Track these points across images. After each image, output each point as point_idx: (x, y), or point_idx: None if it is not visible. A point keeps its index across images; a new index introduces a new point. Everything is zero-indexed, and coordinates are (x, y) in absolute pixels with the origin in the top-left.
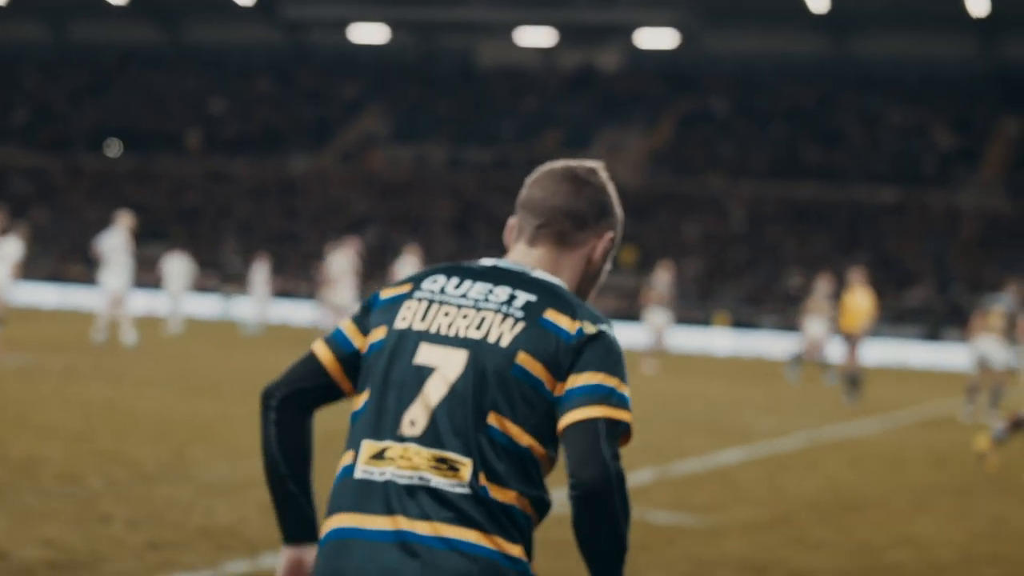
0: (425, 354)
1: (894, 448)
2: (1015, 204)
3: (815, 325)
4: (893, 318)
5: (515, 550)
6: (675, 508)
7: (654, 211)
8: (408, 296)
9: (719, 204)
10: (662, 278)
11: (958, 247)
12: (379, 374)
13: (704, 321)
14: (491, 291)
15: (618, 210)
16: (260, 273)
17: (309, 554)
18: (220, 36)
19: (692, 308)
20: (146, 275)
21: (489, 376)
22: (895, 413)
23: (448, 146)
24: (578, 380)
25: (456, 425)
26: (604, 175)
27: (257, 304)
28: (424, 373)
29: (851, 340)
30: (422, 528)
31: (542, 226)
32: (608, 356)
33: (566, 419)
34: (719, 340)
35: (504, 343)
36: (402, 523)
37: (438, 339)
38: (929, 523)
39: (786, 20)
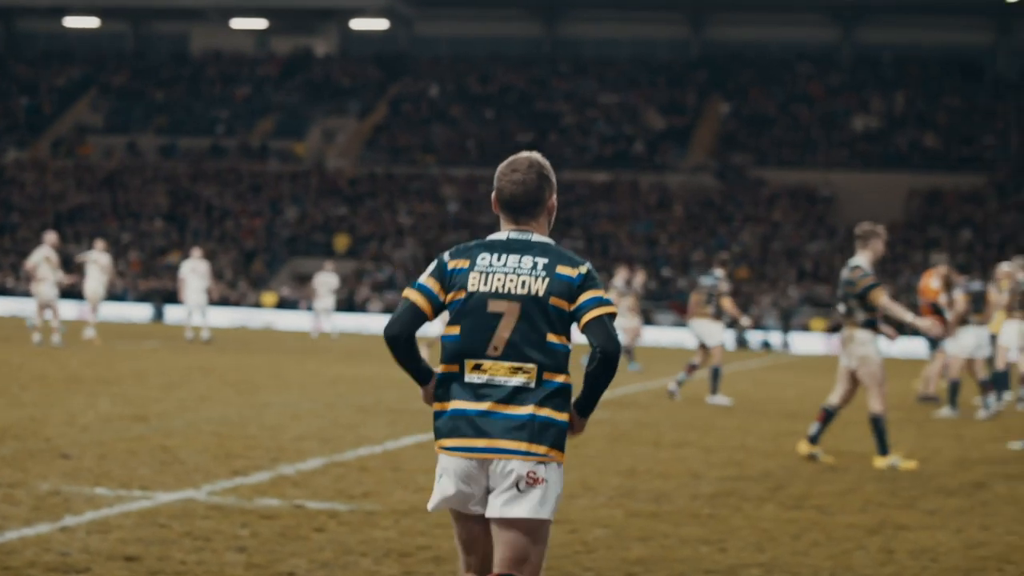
0: (493, 305)
1: None
2: (723, 184)
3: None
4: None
5: (560, 415)
6: (335, 495)
7: (369, 196)
8: (471, 269)
9: (433, 188)
10: None
11: (669, 227)
12: (466, 319)
13: None
14: (520, 260)
15: (550, 173)
16: None
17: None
18: None
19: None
20: None
21: (539, 313)
22: None
23: (161, 135)
24: (585, 296)
25: (524, 345)
26: (538, 159)
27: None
28: (497, 317)
29: None
30: (502, 408)
31: (519, 214)
32: (596, 280)
33: (586, 318)
34: (435, 326)
35: (541, 293)
36: (492, 406)
37: (499, 296)
38: (590, 503)
39: (498, 4)
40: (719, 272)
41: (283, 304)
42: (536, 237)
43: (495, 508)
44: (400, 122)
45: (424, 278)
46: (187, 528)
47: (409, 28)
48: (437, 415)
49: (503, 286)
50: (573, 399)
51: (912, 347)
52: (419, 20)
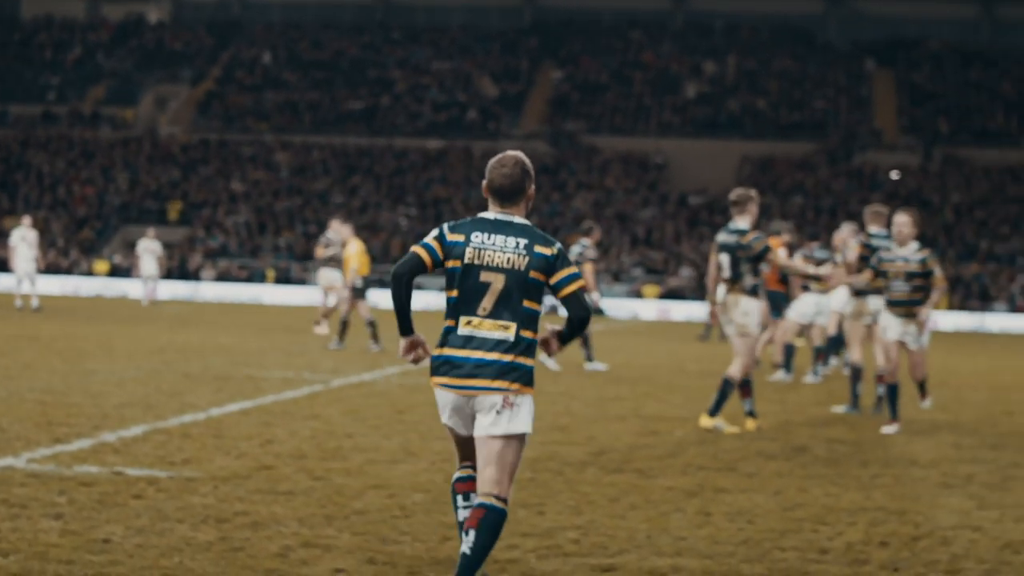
0: (484, 276)
1: (404, 395)
2: (556, 151)
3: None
4: None
5: (529, 362)
6: (155, 462)
7: (201, 163)
8: (467, 244)
9: (266, 155)
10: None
11: None
12: (462, 284)
13: (256, 276)
14: (505, 240)
15: (531, 168)
16: None
17: (414, 339)
18: None
19: (243, 259)
20: None
21: (519, 284)
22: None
23: None
24: (561, 273)
25: (506, 308)
26: (522, 156)
27: None
28: (486, 285)
29: (357, 290)
30: (489, 356)
31: (505, 200)
32: (568, 258)
33: (562, 293)
34: (268, 293)
35: (523, 268)
36: (479, 354)
37: (489, 268)
38: (411, 468)
39: None
40: (585, 241)
41: (115, 272)
42: (517, 219)
43: (482, 428)
44: (233, 89)
45: (430, 239)
46: (3, 496)
47: None
48: (436, 358)
49: (492, 261)
50: (559, 329)
51: None
52: None
